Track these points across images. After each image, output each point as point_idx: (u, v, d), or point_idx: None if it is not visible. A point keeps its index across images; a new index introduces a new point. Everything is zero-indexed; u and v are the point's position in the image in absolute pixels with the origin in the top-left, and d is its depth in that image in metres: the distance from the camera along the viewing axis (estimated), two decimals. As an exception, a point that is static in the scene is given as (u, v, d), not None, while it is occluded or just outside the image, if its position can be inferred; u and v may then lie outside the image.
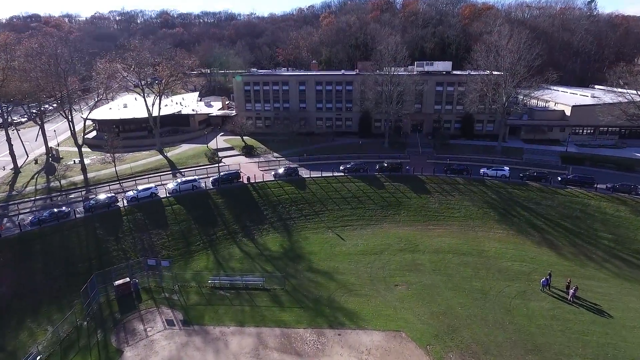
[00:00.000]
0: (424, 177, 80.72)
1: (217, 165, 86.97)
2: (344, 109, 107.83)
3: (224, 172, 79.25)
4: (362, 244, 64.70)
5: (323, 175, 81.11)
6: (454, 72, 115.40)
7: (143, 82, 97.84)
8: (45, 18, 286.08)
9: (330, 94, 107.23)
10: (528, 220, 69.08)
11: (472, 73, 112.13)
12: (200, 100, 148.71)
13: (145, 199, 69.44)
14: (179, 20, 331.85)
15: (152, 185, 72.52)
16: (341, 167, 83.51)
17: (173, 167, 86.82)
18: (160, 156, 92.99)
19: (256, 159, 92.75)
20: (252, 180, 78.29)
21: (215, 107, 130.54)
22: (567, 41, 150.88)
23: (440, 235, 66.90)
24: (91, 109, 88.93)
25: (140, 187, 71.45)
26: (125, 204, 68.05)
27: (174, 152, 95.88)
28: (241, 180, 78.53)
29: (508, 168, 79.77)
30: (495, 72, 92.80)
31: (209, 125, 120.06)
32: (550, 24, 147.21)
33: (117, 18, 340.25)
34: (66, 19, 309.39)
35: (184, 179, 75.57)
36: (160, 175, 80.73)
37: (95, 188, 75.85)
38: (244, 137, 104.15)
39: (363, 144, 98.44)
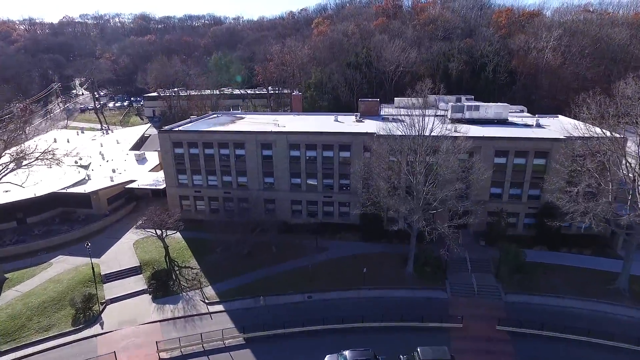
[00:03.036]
0: (507, 400, 35.76)
1: (83, 335, 42.67)
2: (336, 188, 62.83)
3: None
4: None
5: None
6: (513, 123, 70.29)
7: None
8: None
9: (314, 163, 62.16)
10: None
11: (542, 123, 67.69)
12: (140, 148, 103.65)
13: None
14: (156, 25, 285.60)
15: None
16: (327, 364, 38.62)
17: (-10, 347, 42.08)
18: (-11, 304, 48.11)
19: (170, 307, 47.96)
20: None
21: (150, 164, 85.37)
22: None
23: None
24: None
25: None
26: None
27: (23, 288, 50.76)
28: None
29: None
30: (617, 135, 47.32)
31: (129, 201, 75.01)
32: (628, 35, 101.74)
33: (90, 22, 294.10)
34: (26, 24, 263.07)
35: None
36: None
37: None
38: (168, 239, 59.12)
39: (370, 267, 53.06)
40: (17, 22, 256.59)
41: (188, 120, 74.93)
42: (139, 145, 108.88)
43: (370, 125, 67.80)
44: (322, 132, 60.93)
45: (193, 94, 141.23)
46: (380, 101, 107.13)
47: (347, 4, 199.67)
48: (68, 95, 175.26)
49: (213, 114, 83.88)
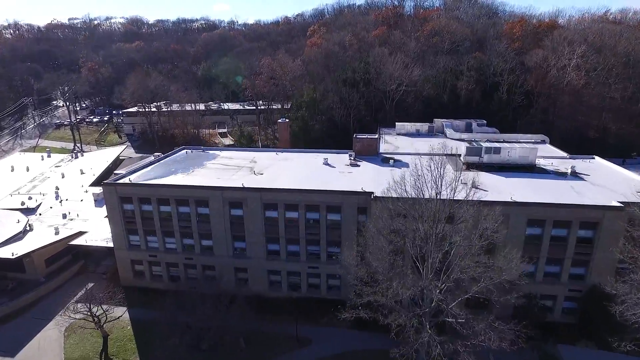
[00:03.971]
0: None
1: None
2: (324, 258, 49.49)
3: None
4: None
5: None
6: (542, 169, 56.80)
7: None
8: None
9: (296, 227, 48.79)
10: None
11: (578, 169, 54.55)
12: (107, 178, 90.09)
13: None
14: (148, 30, 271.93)
15: None
16: None
17: None
18: None
19: None
20: None
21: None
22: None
23: None
24: None
25: None
26: None
27: None
28: None
29: None
30: None
31: (75, 259, 61.57)
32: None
33: (79, 25, 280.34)
34: (11, 28, 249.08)
35: None
36: None
37: None
38: (109, 325, 45.80)
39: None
40: (1, 26, 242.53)
41: (147, 162, 61.50)
42: (107, 173, 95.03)
43: (366, 172, 54.79)
44: (304, 189, 47.36)
45: (175, 109, 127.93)
46: (379, 125, 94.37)
47: (345, 10, 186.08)
48: (47, 108, 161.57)
49: (183, 148, 70.56)
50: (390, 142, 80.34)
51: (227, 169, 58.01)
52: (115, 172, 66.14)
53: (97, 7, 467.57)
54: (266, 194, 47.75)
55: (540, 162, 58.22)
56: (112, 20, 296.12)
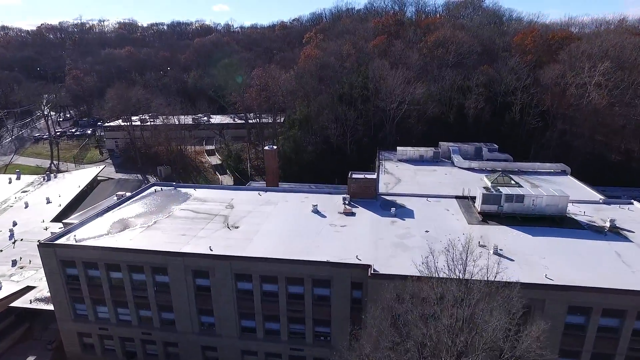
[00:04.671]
0: None
1: None
2: (309, 338, 39.74)
3: None
4: None
5: None
6: (574, 221, 47.11)
7: None
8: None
9: (275, 302, 39.01)
10: None
11: (618, 222, 45.06)
12: (78, 206, 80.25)
13: None
14: (142, 33, 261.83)
15: None
16: None
17: None
18: None
19: None
20: None
21: (71, 246, 61.71)
22: None
23: None
24: None
25: None
26: None
27: None
28: None
29: None
30: None
31: (20, 321, 51.78)
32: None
33: (70, 29, 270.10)
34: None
35: None
36: None
37: None
38: None
39: None
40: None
41: (105, 207, 51.72)
42: (78, 200, 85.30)
43: (363, 225, 45.09)
44: (284, 259, 37.51)
45: (159, 123, 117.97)
46: (379, 149, 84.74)
47: (344, 15, 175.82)
48: (27, 119, 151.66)
49: (153, 184, 60.80)
50: (391, 172, 70.92)
51: (196, 218, 48.21)
52: (64, 221, 56.36)
53: (94, 8, 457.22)
54: (237, 263, 37.98)
55: (570, 210, 48.54)
56: (105, 23, 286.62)
